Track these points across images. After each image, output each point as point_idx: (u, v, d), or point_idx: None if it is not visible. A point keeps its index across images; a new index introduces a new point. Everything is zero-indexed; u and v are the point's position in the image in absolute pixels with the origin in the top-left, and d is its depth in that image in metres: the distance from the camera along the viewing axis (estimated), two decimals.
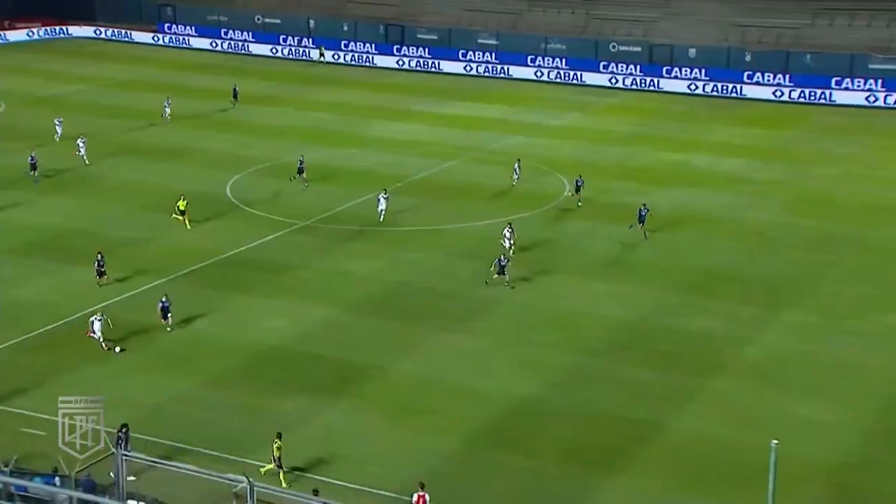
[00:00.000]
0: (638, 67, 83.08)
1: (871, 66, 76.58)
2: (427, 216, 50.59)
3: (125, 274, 42.26)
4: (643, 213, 47.19)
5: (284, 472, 27.85)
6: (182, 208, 47.84)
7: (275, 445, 27.83)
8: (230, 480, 22.06)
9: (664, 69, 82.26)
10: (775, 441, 21.11)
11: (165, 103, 68.58)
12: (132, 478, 26.15)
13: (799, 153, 63.44)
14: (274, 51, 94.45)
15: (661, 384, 34.06)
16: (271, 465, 27.88)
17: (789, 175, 58.50)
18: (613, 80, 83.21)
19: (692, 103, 77.90)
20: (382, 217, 48.14)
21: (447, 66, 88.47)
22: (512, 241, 44.37)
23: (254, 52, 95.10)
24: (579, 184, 51.99)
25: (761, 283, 42.47)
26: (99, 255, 41.07)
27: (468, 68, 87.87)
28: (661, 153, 63.70)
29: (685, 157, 62.78)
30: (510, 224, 45.12)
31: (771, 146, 65.25)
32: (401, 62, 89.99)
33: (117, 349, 35.59)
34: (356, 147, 64.01)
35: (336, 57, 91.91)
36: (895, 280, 42.40)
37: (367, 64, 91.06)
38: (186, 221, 47.74)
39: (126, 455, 21.99)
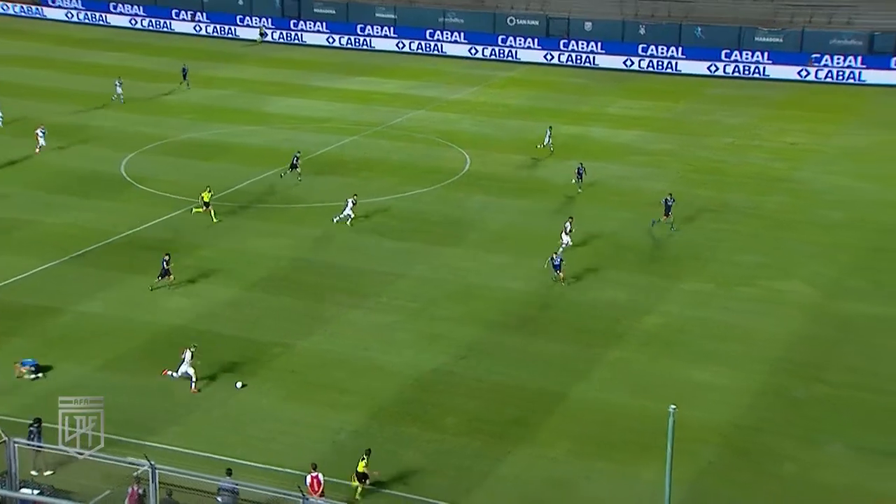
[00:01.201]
0: (535, 41, 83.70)
1: (757, 39, 78.72)
2: (329, 192, 50.15)
3: (15, 256, 40.84)
4: (580, 171, 50.04)
5: (364, 487, 26.48)
6: (206, 200, 45.83)
7: (362, 462, 26.51)
8: (131, 464, 21.61)
9: (561, 42, 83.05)
10: (673, 406, 21.65)
11: (117, 83, 66.12)
12: (49, 472, 25.45)
13: (692, 124, 64.91)
14: (166, 26, 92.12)
15: (562, 354, 34.58)
16: (356, 483, 26.49)
17: (683, 146, 59.83)
18: (511, 54, 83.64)
19: (589, 76, 78.88)
20: (349, 222, 45.25)
21: (345, 40, 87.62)
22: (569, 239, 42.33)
23: (146, 28, 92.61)
24: (581, 171, 50.86)
25: (658, 253, 43.41)
26: (166, 256, 38.89)
27: (366, 42, 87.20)
28: (560, 126, 64.34)
29: (583, 130, 63.62)
30: (571, 218, 43.36)
31: (665, 118, 66.60)
32: (297, 37, 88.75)
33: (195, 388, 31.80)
34: (254, 123, 62.99)
35: (230, 32, 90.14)
36: (784, 247, 43.80)
37: (230, 36, 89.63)
38: (212, 214, 45.64)
39: (18, 442, 21.36)
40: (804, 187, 51.72)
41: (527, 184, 52.79)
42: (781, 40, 78.46)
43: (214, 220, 45.54)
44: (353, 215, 45.45)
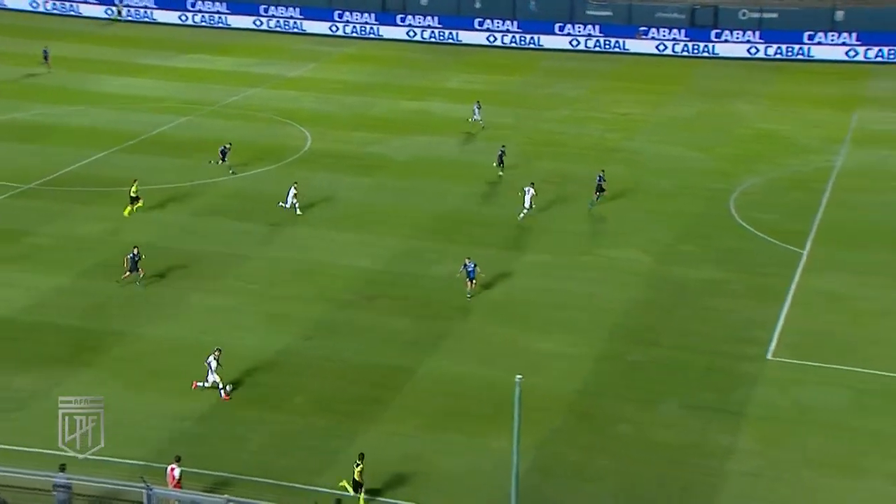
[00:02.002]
0: (372, 16, 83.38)
1: (588, 13, 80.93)
2: (166, 174, 48.75)
3: None
4: (501, 154, 49.10)
5: (364, 497, 25.63)
6: (135, 194, 43.04)
7: (357, 469, 25.44)
8: None
9: (398, 17, 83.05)
10: (519, 376, 22.22)
11: None
12: None
13: (529, 97, 66.22)
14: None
15: (409, 330, 34.87)
16: (345, 483, 25.72)
17: (522, 119, 61.00)
18: (350, 30, 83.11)
19: (427, 51, 79.26)
20: (297, 210, 43.94)
21: (169, 16, 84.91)
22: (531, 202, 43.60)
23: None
24: (502, 155, 50.22)
25: (499, 226, 44.20)
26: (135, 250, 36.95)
27: (187, 18, 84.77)
28: (400, 101, 64.57)
29: (423, 105, 63.96)
30: (532, 183, 44.35)
31: (503, 91, 67.66)
32: (148, 14, 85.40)
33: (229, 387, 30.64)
34: (81, 104, 60.43)
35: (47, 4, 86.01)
36: (619, 216, 45.33)
37: (73, 13, 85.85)
38: (134, 208, 43.04)
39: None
40: (637, 157, 53.67)
41: (370, 161, 52.74)
42: (611, 13, 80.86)
43: (126, 213, 43.27)
44: (297, 203, 44.09)
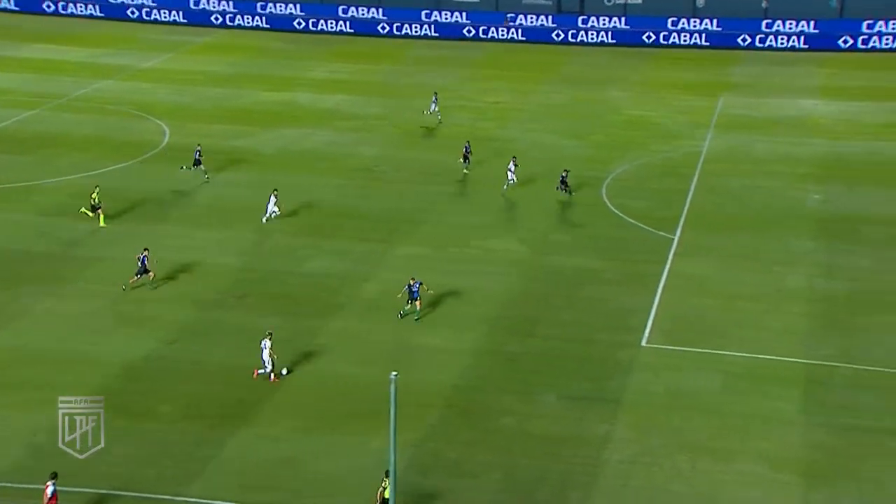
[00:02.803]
0: (230, 3, 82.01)
1: (455, 0, 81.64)
2: (12, 172, 46.89)
3: None
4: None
5: None
6: (97, 203, 41.19)
7: (384, 485, 24.45)
8: None
9: (257, 5, 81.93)
10: (394, 373, 22.30)
11: None
12: None
13: (398, 87, 66.34)
14: None
15: (280, 330, 34.45)
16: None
17: (391, 109, 61.06)
18: (207, 18, 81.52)
19: (290, 40, 78.45)
20: (274, 217, 42.70)
21: (21, 3, 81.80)
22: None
23: None
24: (468, 150, 49.62)
25: (373, 219, 44.20)
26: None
27: (49, 6, 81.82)
28: (264, 93, 63.78)
29: (288, 96, 63.36)
30: (514, 157, 46.31)
31: (371, 80, 67.62)
32: None
33: (284, 371, 31.35)
34: None
35: None
36: (494, 206, 45.94)
37: None
38: (101, 217, 41.38)
39: None
40: (510, 146, 54.34)
41: (235, 155, 51.92)
42: (478, 0, 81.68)
43: (102, 223, 41.82)
44: (278, 211, 42.75)
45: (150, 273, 36.62)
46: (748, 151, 52.42)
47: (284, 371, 31.51)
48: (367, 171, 50.30)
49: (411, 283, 34.98)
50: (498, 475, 27.25)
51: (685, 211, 44.65)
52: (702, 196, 46.39)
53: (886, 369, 31.82)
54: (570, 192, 45.44)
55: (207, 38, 77.61)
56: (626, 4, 79.55)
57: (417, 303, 35.04)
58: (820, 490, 26.52)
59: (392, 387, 22.15)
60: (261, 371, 31.09)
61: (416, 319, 35.07)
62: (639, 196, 46.45)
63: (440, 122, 57.01)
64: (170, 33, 78.26)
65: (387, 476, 24.32)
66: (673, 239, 41.68)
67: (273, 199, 42.77)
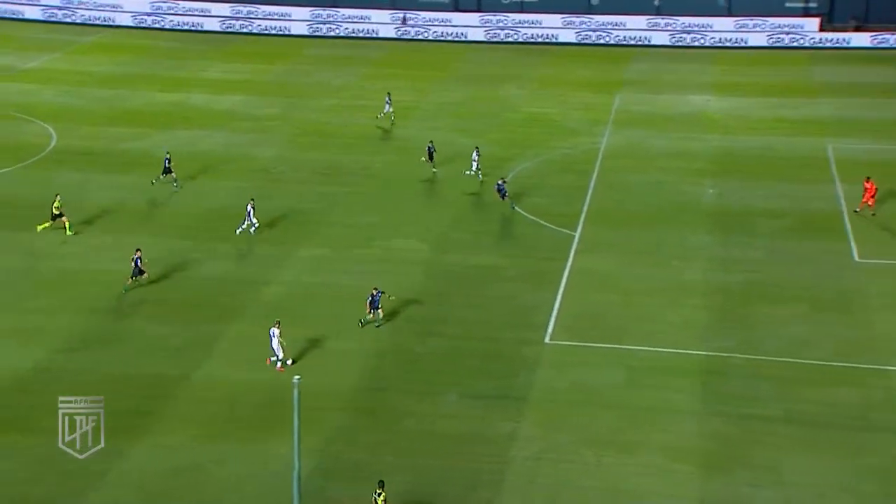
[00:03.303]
0: (119, 1, 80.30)
1: None
2: None
3: None
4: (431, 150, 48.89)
5: None
6: (58, 210, 39.54)
7: (379, 499, 24.46)
8: None
9: (147, 2, 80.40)
10: (297, 377, 22.14)
11: None
12: None
13: (295, 86, 65.83)
14: None
15: (178, 336, 33.99)
16: None
17: (289, 109, 60.56)
18: (90, 16, 79.63)
19: (180, 39, 77.16)
20: (252, 230, 41.53)
21: None
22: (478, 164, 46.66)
23: None
24: (431, 150, 49.34)
25: (273, 221, 43.77)
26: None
27: None
28: (156, 94, 62.64)
29: (182, 97, 62.33)
30: (477, 148, 47.23)
31: (267, 80, 66.96)
32: None
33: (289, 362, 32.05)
34: None
35: None
36: (394, 205, 45.96)
37: None
38: (66, 225, 39.99)
39: None
40: (409, 144, 54.49)
41: (126, 158, 50.88)
42: None
43: (69, 232, 40.40)
44: (256, 223, 41.45)
45: (145, 273, 36.40)
46: (645, 147, 53.50)
47: (290, 361, 31.93)
48: (265, 172, 49.81)
49: (374, 292, 34.59)
50: (404, 477, 27.29)
51: (585, 207, 45.37)
52: (601, 192, 47.19)
53: (779, 359, 32.87)
54: (511, 203, 44.30)
55: (95, 38, 75.81)
56: (522, 2, 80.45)
57: (380, 311, 34.66)
58: (716, 479, 27.28)
59: (295, 391, 21.99)
60: (272, 359, 31.66)
61: (377, 326, 34.69)
62: (539, 193, 47.00)
63: (393, 124, 56.75)
64: (51, 32, 76.23)
65: (379, 486, 24.56)
66: (574, 235, 42.31)
67: (250, 208, 41.52)
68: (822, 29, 74.90)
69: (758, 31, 75.15)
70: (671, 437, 28.98)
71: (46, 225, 41.07)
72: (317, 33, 79.29)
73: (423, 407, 30.60)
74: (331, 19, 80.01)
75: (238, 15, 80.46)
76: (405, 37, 78.94)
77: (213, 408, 30.15)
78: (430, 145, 49.72)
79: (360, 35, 79.21)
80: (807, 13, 76.42)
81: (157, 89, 63.24)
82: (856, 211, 43.33)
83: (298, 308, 36.38)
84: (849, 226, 42.68)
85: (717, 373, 32.19)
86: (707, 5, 77.73)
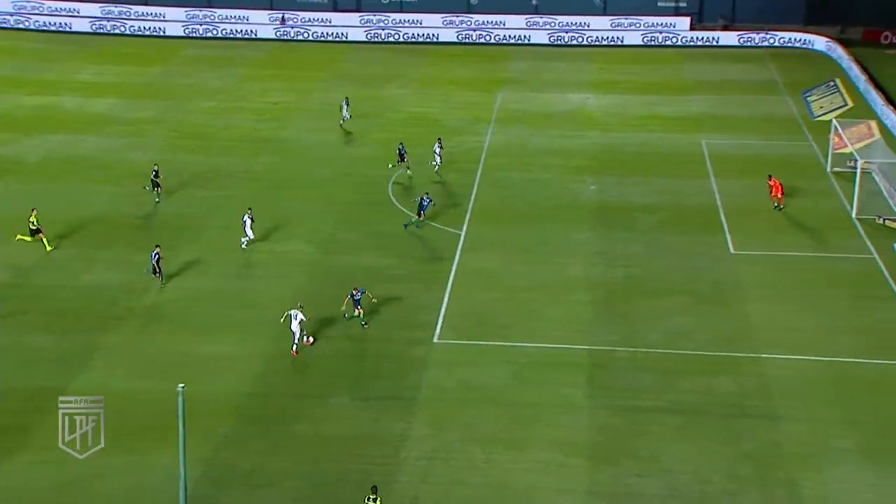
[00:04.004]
0: None
1: None
2: None
3: None
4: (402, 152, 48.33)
5: None
6: (36, 225, 37.80)
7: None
8: None
9: (18, 5, 77.82)
10: (181, 385, 21.86)
11: None
12: None
13: (172, 88, 64.64)
14: None
15: (57, 347, 33.12)
16: None
17: (165, 112, 59.44)
18: None
19: (46, 40, 74.92)
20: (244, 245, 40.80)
21: None
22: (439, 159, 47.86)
23: None
24: (402, 151, 48.40)
25: (152, 227, 42.97)
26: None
27: None
28: (23, 97, 60.76)
29: (52, 100, 60.56)
30: (439, 139, 48.54)
31: (142, 83, 65.57)
32: None
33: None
34: None
35: None
36: (279, 208, 45.55)
37: None
38: (45, 241, 38.29)
39: None
40: (292, 146, 54.15)
41: None
42: None
43: (48, 247, 38.77)
44: (252, 236, 40.29)
45: (159, 274, 36.98)
46: (527, 145, 54.35)
47: (311, 339, 33.50)
48: (143, 177, 48.77)
49: (353, 292, 34.70)
50: (295, 482, 27.19)
51: (470, 206, 45.86)
52: (485, 191, 47.76)
53: (661, 350, 33.90)
54: (417, 223, 43.36)
55: None
56: (402, 2, 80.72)
57: (360, 310, 34.88)
58: (604, 471, 28.00)
59: (179, 399, 21.71)
60: (299, 342, 33.04)
61: (364, 325, 34.96)
62: (424, 193, 47.23)
63: (344, 128, 56.31)
64: None
65: (372, 492, 24.76)
66: (460, 234, 42.74)
67: (248, 220, 40.81)
68: (692, 28, 77.34)
69: (632, 30, 77.09)
70: (559, 432, 29.60)
71: (27, 238, 39.79)
72: (193, 34, 77.97)
73: (314, 410, 30.52)
74: (207, 20, 78.80)
75: (109, 16, 78.60)
76: (284, 37, 78.33)
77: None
78: (400, 146, 49.26)
79: (238, 36, 78.22)
80: (678, 13, 78.76)
81: (25, 93, 61.33)
82: (780, 209, 44.74)
83: (181, 314, 35.82)
84: (724, 219, 44.23)
85: (602, 366, 32.99)
86: (583, 5, 79.38)
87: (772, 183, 45.18)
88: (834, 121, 49.78)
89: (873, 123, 48.50)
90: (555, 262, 40.46)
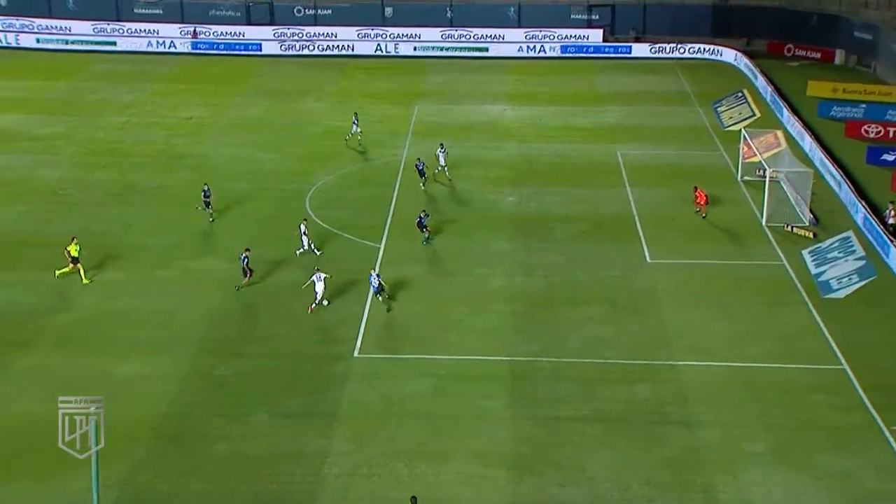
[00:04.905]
0: None
1: (137, 11, 79.30)
2: None
3: None
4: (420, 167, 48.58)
5: None
6: (74, 254, 36.34)
7: None
8: None
9: None
10: (95, 406, 21.31)
11: None
12: None
13: (81, 104, 63.38)
14: None
15: None
16: None
17: (75, 128, 58.26)
18: None
19: None
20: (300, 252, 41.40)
21: None
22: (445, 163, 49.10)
23: None
24: (418, 165, 49.03)
25: (62, 246, 41.92)
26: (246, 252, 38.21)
27: None
28: None
29: None
30: (442, 144, 49.65)
31: (49, 98, 64.20)
32: None
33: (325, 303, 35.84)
34: None
35: None
36: (193, 225, 44.93)
37: None
38: (82, 273, 37.00)
39: None
40: (207, 162, 53.46)
41: None
42: (161, 11, 79.73)
43: (85, 280, 37.42)
44: (307, 247, 41.45)
45: (251, 274, 38.48)
46: (446, 157, 54.44)
47: (326, 303, 36.10)
48: (53, 194, 47.73)
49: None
50: (214, 503, 26.72)
51: (389, 219, 45.77)
52: (404, 203, 47.70)
53: (581, 360, 34.21)
54: (427, 236, 43.21)
55: None
56: (315, 15, 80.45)
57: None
58: (527, 481, 28.12)
59: (91, 423, 21.20)
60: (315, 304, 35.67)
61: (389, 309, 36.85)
62: (343, 206, 47.11)
63: (360, 144, 55.69)
64: None
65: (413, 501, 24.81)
66: (379, 247, 42.61)
67: (303, 228, 41.68)
68: (605, 40, 78.55)
69: (547, 42, 77.96)
70: (482, 444, 29.65)
71: (66, 269, 38.64)
72: (101, 48, 76.55)
73: (232, 429, 30.09)
74: (116, 33, 77.42)
75: (10, 28, 76.78)
76: (197, 51, 77.39)
77: (1, 447, 28.58)
78: (418, 163, 49.31)
79: (149, 50, 77.04)
80: (591, 25, 79.94)
81: None
82: (703, 217, 45.57)
83: (94, 335, 35.06)
84: (640, 228, 44.90)
85: (523, 377, 33.16)
86: (498, 17, 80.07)
87: (697, 193, 46.13)
88: (743, 131, 50.97)
89: (780, 133, 49.79)
90: (475, 273, 40.60)
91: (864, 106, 60.80)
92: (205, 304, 37.39)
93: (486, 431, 30.27)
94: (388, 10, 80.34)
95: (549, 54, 77.44)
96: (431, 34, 78.55)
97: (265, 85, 69.44)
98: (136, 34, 77.58)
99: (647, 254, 42.38)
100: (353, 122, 55.99)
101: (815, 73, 70.04)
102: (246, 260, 38.45)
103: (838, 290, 37.61)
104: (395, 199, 48.35)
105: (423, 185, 49.05)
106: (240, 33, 78.76)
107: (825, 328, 36.09)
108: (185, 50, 77.23)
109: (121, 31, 77.54)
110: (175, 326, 35.85)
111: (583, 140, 57.79)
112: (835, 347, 34.83)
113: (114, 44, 76.92)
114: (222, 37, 78.26)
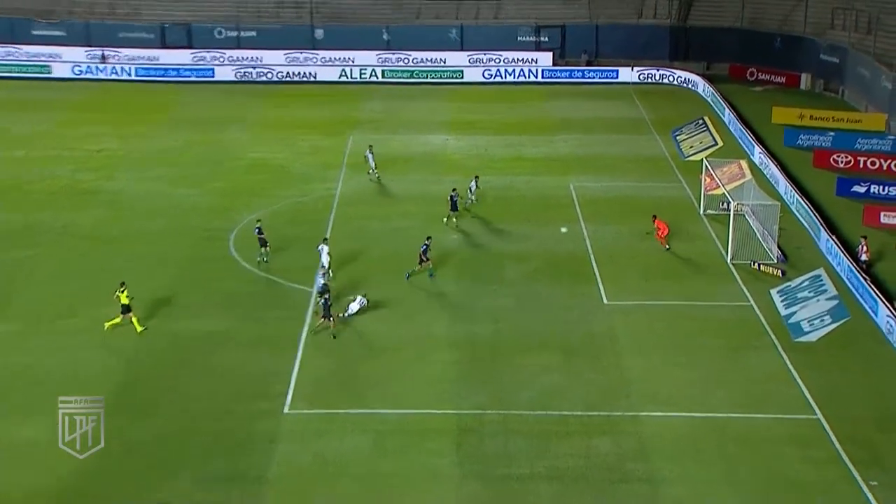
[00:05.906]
0: None
1: (35, 32, 78.75)
2: None
3: None
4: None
5: None
6: (125, 302, 36.78)
7: None
8: None
9: None
10: None
11: None
12: None
13: None
14: None
15: None
16: None
17: None
18: None
19: None
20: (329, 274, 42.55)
21: None
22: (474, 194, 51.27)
23: None
24: (453, 196, 49.84)
25: None
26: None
27: None
28: None
29: None
30: (476, 177, 51.87)
31: None
32: None
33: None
34: None
35: None
36: (103, 268, 44.31)
37: None
38: (135, 322, 38.21)
39: None
40: (120, 197, 52.92)
41: None
42: (65, 33, 79.20)
43: (139, 328, 37.47)
44: (327, 267, 43.09)
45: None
46: (384, 191, 54.57)
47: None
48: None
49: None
50: None
51: None
52: (340, 243, 47.47)
53: (534, 412, 34.17)
54: (427, 262, 43.91)
55: None
56: (238, 37, 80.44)
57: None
58: None
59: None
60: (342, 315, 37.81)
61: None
62: (271, 247, 46.79)
63: (378, 178, 55.85)
64: None
65: None
66: (311, 292, 42.36)
67: (325, 248, 43.65)
68: (555, 64, 79.55)
69: (492, 65, 78.71)
70: None
71: (117, 321, 38.38)
72: None
73: (150, 496, 29.51)
74: (11, 58, 76.49)
75: None
76: (107, 77, 76.83)
77: None
78: (452, 193, 49.79)
79: (52, 77, 76.26)
80: (539, 48, 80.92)
81: None
82: (667, 248, 46.11)
83: None
84: (596, 267, 45.21)
85: (471, 431, 33.04)
86: (439, 39, 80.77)
87: (657, 224, 46.66)
88: (705, 160, 51.75)
89: (744, 163, 50.65)
90: (417, 318, 40.53)
91: (832, 134, 62.09)
92: (116, 359, 36.82)
93: (431, 492, 30.08)
94: (319, 32, 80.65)
95: (494, 79, 78.18)
96: (366, 58, 78.95)
97: (183, 114, 69.14)
98: (36, 59, 76.75)
99: (603, 295, 42.66)
100: (368, 157, 56.27)
101: (779, 99, 71.56)
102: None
103: (810, 332, 38.25)
104: (329, 237, 48.17)
105: None
106: (154, 57, 78.41)
107: (797, 374, 36.52)
108: (93, 76, 76.56)
109: (17, 54, 76.66)
110: (79, 385, 34.84)
111: (533, 172, 58.23)
112: (808, 395, 35.23)
113: (13, 68, 76.02)
114: (135, 61, 77.84)
